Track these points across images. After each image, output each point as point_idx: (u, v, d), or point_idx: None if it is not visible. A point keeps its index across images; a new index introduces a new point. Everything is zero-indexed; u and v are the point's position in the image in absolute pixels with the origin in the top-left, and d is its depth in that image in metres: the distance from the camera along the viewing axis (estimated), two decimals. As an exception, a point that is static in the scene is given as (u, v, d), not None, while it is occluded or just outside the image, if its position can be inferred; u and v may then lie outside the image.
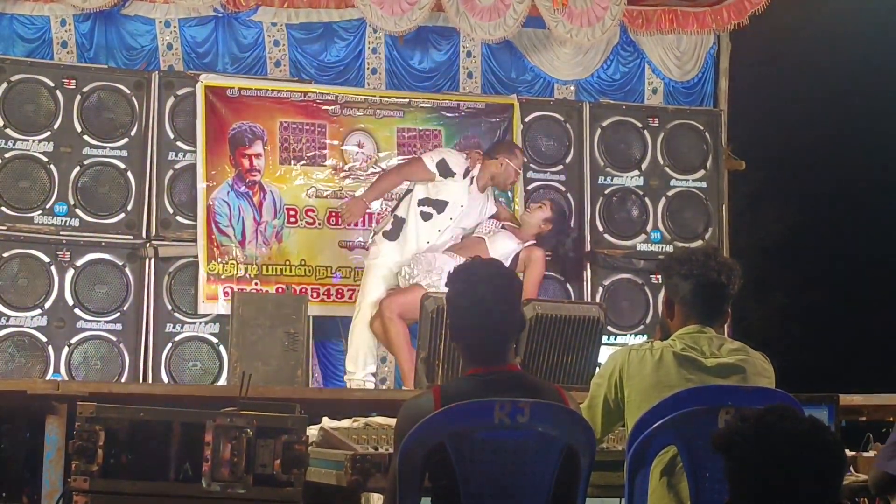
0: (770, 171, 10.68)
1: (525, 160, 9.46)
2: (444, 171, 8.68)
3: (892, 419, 7.02)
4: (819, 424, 3.07)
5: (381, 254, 8.66)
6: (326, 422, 5.10)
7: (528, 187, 10.03)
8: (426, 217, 8.67)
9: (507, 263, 8.37)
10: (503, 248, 8.59)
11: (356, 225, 9.40)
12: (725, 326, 5.28)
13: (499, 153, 8.92)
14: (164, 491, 4.25)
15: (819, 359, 9.92)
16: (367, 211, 9.25)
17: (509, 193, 9.81)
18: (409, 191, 8.81)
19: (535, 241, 8.78)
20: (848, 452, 5.36)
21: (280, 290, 9.26)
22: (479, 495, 4.00)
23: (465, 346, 4.27)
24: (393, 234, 8.68)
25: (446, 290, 4.39)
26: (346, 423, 5.17)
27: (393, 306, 8.25)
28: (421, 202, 8.68)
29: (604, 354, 7.43)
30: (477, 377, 4.19)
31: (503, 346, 4.23)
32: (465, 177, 8.73)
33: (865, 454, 5.43)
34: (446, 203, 8.67)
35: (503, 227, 8.83)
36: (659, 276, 9.33)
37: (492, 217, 8.91)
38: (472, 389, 4.10)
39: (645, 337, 9.71)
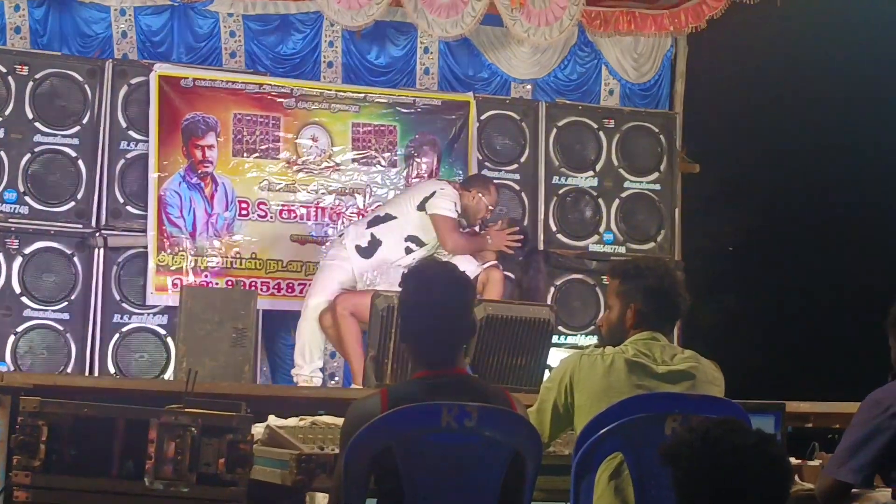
0: (724, 175, 10.70)
1: (477, 150, 9.39)
2: (457, 209, 8.64)
3: (838, 426, 7.04)
4: (766, 438, 3.07)
5: (344, 259, 8.56)
6: (273, 420, 5.07)
7: (483, 185, 10.00)
8: (408, 252, 8.57)
9: None
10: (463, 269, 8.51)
11: (308, 219, 9.36)
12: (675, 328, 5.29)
13: (473, 186, 8.88)
14: (107, 488, 4.21)
15: (768, 362, 9.95)
16: (320, 206, 9.26)
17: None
18: (391, 216, 8.65)
19: (494, 262, 8.72)
20: (793, 461, 5.37)
21: (230, 283, 9.20)
22: (424, 499, 3.99)
23: (416, 349, 4.25)
24: (367, 253, 8.53)
25: (399, 290, 4.36)
26: (292, 421, 5.14)
27: (347, 304, 8.20)
28: (408, 238, 8.58)
29: (554, 356, 7.44)
30: (425, 380, 4.17)
31: (454, 349, 4.21)
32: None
33: (811, 463, 5.44)
34: (421, 239, 8.61)
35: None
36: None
37: None
38: (420, 392, 4.09)
39: (595, 338, 9.72)
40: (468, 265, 8.47)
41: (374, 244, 8.57)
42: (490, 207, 8.88)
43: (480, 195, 8.79)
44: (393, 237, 8.56)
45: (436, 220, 8.53)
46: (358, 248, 8.57)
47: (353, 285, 8.50)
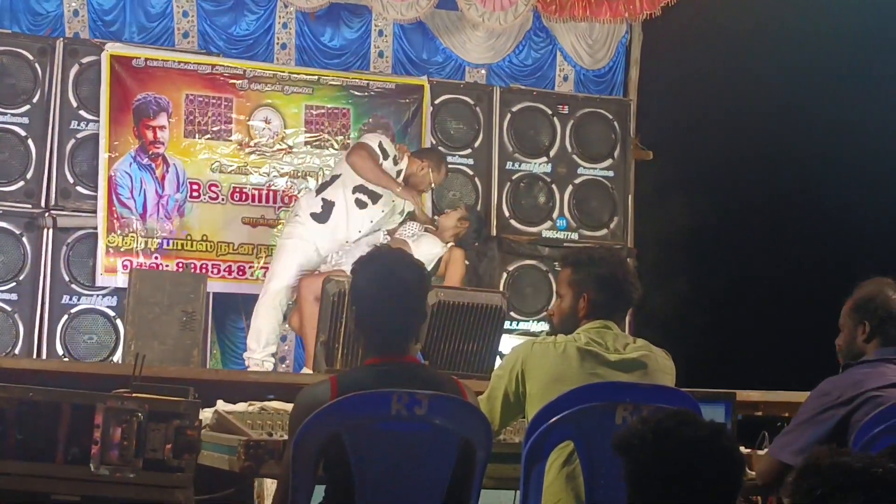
0: (677, 162, 10.70)
1: (431, 135, 9.37)
2: (384, 153, 8.61)
3: (787, 415, 7.07)
4: (718, 430, 3.07)
5: (302, 235, 8.51)
6: (221, 405, 5.03)
7: (436, 170, 9.99)
8: (361, 205, 8.55)
9: (430, 266, 8.36)
10: (428, 251, 8.50)
11: (260, 201, 9.31)
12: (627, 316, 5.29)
13: (426, 158, 8.88)
14: (52, 473, 4.17)
15: (718, 348, 9.97)
16: (272, 188, 9.24)
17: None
18: (336, 175, 8.68)
19: (453, 243, 8.72)
20: (743, 450, 5.37)
21: (180, 265, 9.14)
22: (373, 487, 3.97)
23: (367, 335, 4.22)
24: (322, 217, 8.51)
25: (353, 275, 4.33)
26: (241, 406, 5.10)
27: (312, 287, 8.14)
28: (356, 189, 8.56)
29: (506, 342, 7.44)
30: (376, 367, 4.15)
31: (405, 337, 4.19)
32: (395, 164, 8.66)
33: (760, 452, 5.44)
34: (381, 196, 8.58)
35: (426, 230, 8.73)
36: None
37: (411, 219, 8.81)
38: (370, 380, 4.06)
39: (547, 324, 9.71)
40: (433, 247, 8.48)
41: (327, 206, 8.55)
42: (432, 185, 8.87)
43: (429, 168, 8.77)
44: (342, 194, 8.55)
45: (353, 146, 8.65)
46: (313, 215, 8.54)
47: (314, 267, 8.46)
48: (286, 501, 3.97)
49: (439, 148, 9.70)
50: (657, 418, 3.09)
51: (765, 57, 9.95)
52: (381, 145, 8.62)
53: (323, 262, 8.47)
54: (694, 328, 9.95)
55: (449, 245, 8.64)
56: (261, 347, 8.44)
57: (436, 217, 9.10)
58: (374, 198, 8.57)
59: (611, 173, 10.41)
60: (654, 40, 10.74)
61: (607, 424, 4.15)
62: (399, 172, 8.67)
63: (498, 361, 7.13)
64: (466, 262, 8.76)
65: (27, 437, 4.19)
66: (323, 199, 8.58)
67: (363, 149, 8.57)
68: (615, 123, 10.44)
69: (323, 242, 8.50)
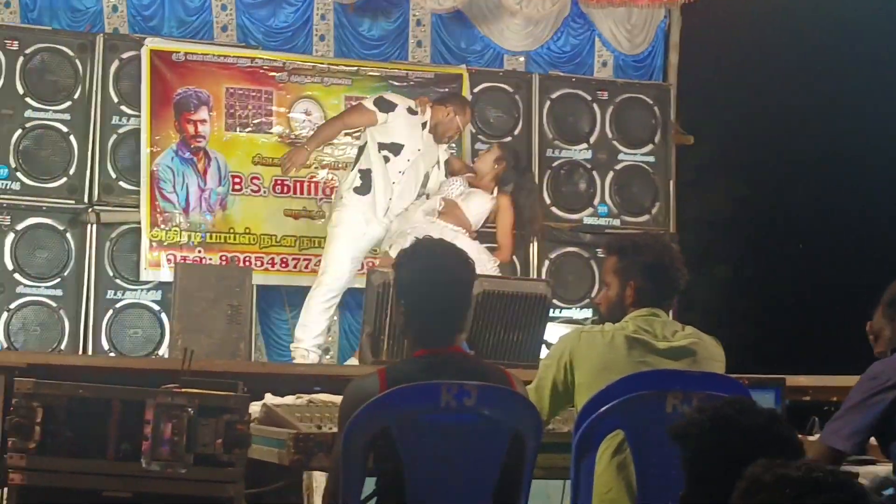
0: (718, 146, 10.67)
1: (471, 123, 9.36)
2: (384, 106, 8.62)
3: (836, 399, 7.02)
4: (776, 418, 3.05)
5: (348, 219, 8.55)
6: (269, 398, 5.04)
7: (476, 158, 9.97)
8: (386, 160, 8.60)
9: (481, 220, 8.67)
10: (478, 206, 8.59)
11: (302, 193, 9.32)
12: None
13: (450, 103, 8.90)
14: (103, 469, 4.18)
15: (761, 332, 9.95)
16: (314, 180, 9.23)
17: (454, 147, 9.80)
18: (363, 146, 8.73)
19: (497, 188, 8.75)
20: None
21: (224, 259, 9.16)
22: (424, 478, 3.97)
23: (415, 328, 4.21)
24: (364, 189, 8.57)
25: (398, 269, 4.32)
26: (289, 399, 5.11)
27: None
28: (380, 147, 8.61)
29: (549, 330, 7.42)
30: (424, 358, 4.14)
31: (452, 328, 4.19)
32: (411, 114, 8.66)
33: (811, 438, 5.41)
34: (402, 146, 8.61)
35: (471, 186, 8.77)
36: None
37: (451, 174, 8.84)
38: (419, 372, 4.06)
39: (590, 311, 9.69)
40: (483, 202, 8.60)
41: (365, 176, 8.61)
42: (460, 126, 8.87)
43: (454, 113, 8.79)
44: (371, 159, 8.62)
45: None
46: (355, 189, 8.61)
47: (364, 247, 8.62)
48: (337, 494, 3.97)
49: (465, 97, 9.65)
50: (714, 407, 3.07)
51: (805, 39, 9.90)
52: (379, 100, 8.68)
53: (376, 243, 8.51)
54: (736, 312, 9.93)
55: (494, 192, 8.70)
56: (308, 338, 8.46)
57: (471, 164, 9.11)
58: (395, 150, 8.60)
59: (652, 158, 10.36)
60: (694, 24, 10.68)
61: (657, 413, 4.13)
62: (424, 124, 8.70)
63: (543, 350, 7.12)
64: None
65: (78, 433, 4.20)
66: (359, 171, 8.64)
67: (349, 111, 8.86)
68: (655, 108, 10.38)
69: (370, 220, 8.55)
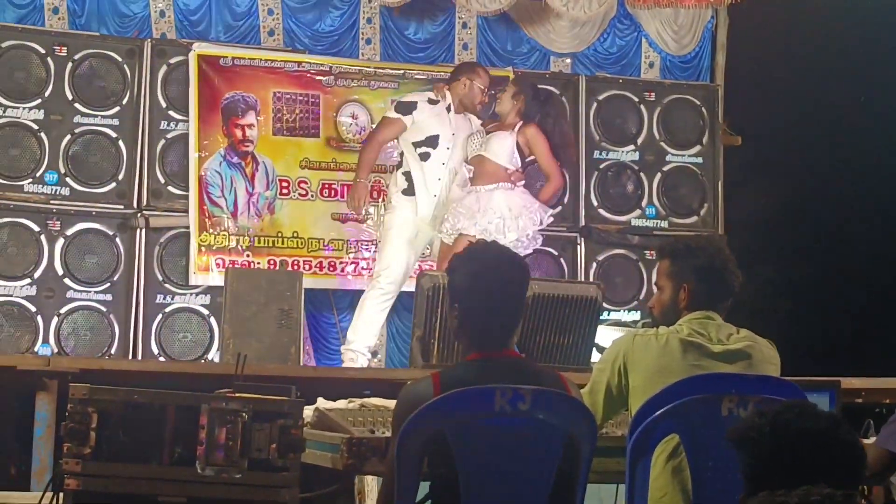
0: (766, 147, 10.61)
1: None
2: (405, 109, 8.66)
3: (888, 401, 6.98)
4: (837, 422, 3.02)
5: (399, 222, 8.60)
6: (322, 402, 5.04)
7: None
8: (425, 157, 8.61)
9: (512, 158, 8.61)
10: (501, 147, 8.61)
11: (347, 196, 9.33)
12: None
13: (461, 74, 8.86)
14: (158, 475, 4.18)
15: (811, 334, 9.88)
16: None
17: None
18: (401, 154, 8.75)
19: (521, 121, 8.73)
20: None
21: (272, 263, 9.18)
22: (478, 483, 3.94)
23: (469, 331, 4.19)
24: (410, 190, 8.62)
25: (451, 272, 4.30)
26: (341, 403, 5.10)
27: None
28: (416, 145, 8.63)
29: (600, 334, 7.39)
30: (478, 363, 4.12)
31: (507, 332, 4.17)
32: (433, 104, 8.67)
33: (867, 441, 5.37)
34: (437, 136, 8.63)
35: (487, 131, 8.78)
36: (653, 254, 9.26)
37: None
38: (473, 375, 4.04)
39: (638, 314, 9.66)
40: (503, 140, 8.63)
41: (409, 178, 8.64)
42: (483, 88, 8.78)
43: (470, 80, 8.77)
44: (412, 160, 8.65)
45: None
46: (403, 192, 8.66)
47: (421, 244, 8.67)
48: (391, 498, 3.97)
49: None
50: (775, 411, 3.04)
51: (853, 38, 9.83)
52: (399, 105, 8.70)
53: (429, 241, 8.58)
54: (785, 314, 9.86)
55: (517, 126, 8.67)
56: (359, 339, 8.44)
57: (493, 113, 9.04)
58: (432, 143, 8.62)
59: (699, 160, 10.33)
60: (741, 24, 10.64)
61: (713, 416, 4.10)
62: (448, 108, 8.70)
63: (594, 354, 7.10)
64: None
65: (132, 438, 4.20)
66: (404, 174, 8.66)
67: (378, 127, 8.87)
68: (703, 109, 10.35)
69: (413, 216, 8.57)
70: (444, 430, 3.92)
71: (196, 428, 4.17)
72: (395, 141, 8.79)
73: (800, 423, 2.99)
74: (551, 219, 8.78)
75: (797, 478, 2.87)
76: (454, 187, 8.67)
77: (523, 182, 8.68)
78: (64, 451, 4.18)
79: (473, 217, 8.34)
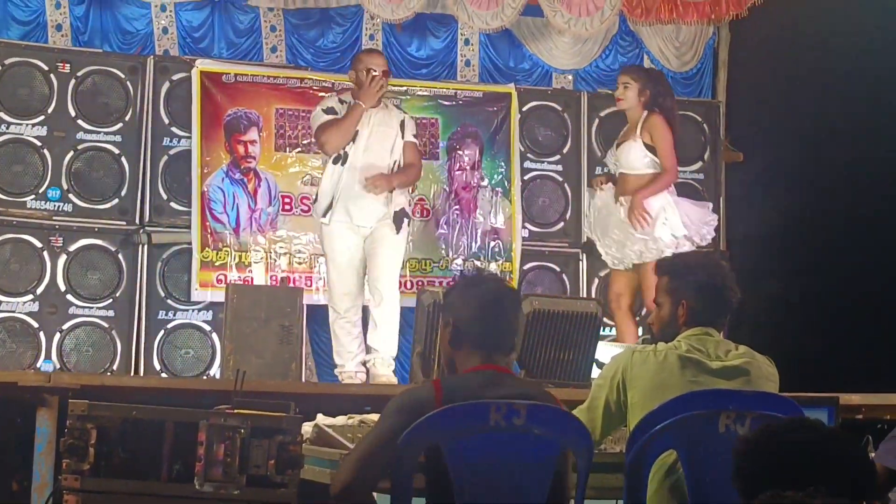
0: (768, 163, 10.61)
1: (519, 142, 9.15)
2: (331, 111, 8.33)
3: (889, 417, 6.98)
4: (846, 440, 3.01)
5: (327, 240, 8.31)
6: (321, 419, 5.05)
7: (525, 177, 9.98)
8: (336, 160, 8.27)
9: (647, 160, 8.58)
10: (634, 157, 8.62)
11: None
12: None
13: (354, 65, 8.52)
14: (157, 491, 4.18)
15: (812, 350, 9.87)
16: None
17: (506, 183, 9.77)
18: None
19: (645, 112, 8.69)
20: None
21: (274, 279, 9.19)
22: (473, 497, 3.96)
23: (469, 345, 4.20)
24: (328, 206, 8.29)
25: (449, 291, 4.35)
26: (340, 420, 5.12)
27: None
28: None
29: (599, 349, 7.40)
30: (479, 374, 4.14)
31: (506, 348, 4.20)
32: (343, 104, 8.34)
33: (866, 457, 5.37)
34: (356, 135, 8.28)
35: (616, 145, 8.83)
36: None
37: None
38: (476, 385, 4.07)
39: (640, 329, 9.65)
40: (635, 150, 8.59)
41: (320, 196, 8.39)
42: (370, 69, 8.29)
43: (355, 72, 8.40)
44: (324, 176, 8.40)
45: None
46: (323, 213, 8.33)
47: (360, 265, 8.34)
48: (356, 483, 3.97)
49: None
50: (782, 426, 3.04)
51: (855, 54, 9.83)
52: (322, 111, 8.35)
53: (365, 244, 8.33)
54: (786, 330, 9.85)
55: (640, 122, 8.67)
56: (348, 360, 8.33)
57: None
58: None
59: (701, 175, 10.35)
60: (742, 40, 10.66)
61: (710, 433, 4.12)
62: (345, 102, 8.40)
63: (594, 369, 7.11)
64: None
65: (131, 455, 4.21)
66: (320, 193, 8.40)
67: (318, 131, 8.38)
68: (705, 125, 10.37)
69: (347, 231, 8.30)
70: (440, 444, 3.94)
71: (194, 444, 4.18)
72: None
73: (806, 437, 2.99)
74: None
75: (802, 494, 2.86)
76: (615, 219, 8.61)
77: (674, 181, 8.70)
78: (63, 467, 4.19)
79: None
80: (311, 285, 9.29)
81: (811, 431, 3.02)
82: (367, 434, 4.21)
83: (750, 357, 4.63)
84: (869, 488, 3.02)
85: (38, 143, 9.10)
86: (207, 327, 9.21)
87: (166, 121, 9.33)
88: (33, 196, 9.07)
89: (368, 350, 8.24)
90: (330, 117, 8.29)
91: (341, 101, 8.39)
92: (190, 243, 9.18)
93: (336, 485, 4.12)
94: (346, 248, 8.27)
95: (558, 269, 9.93)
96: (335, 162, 8.27)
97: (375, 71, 8.28)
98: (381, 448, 4.02)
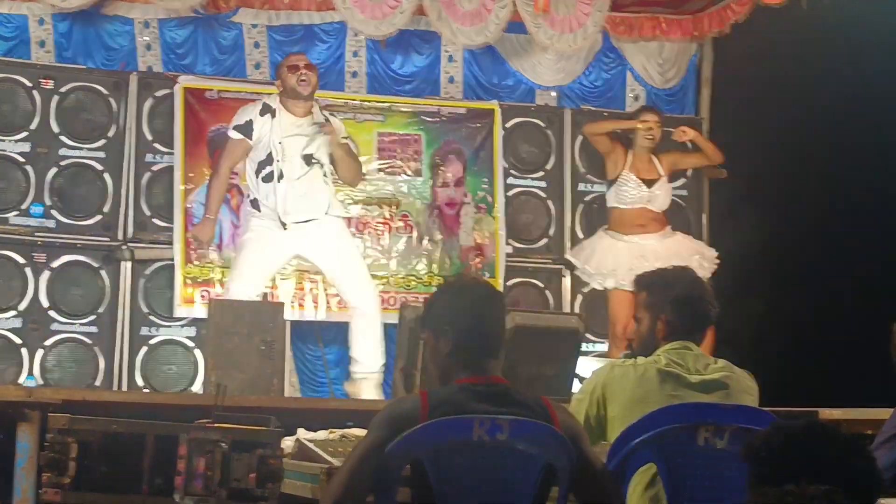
0: (751, 180, 10.63)
1: (502, 158, 9.26)
2: (245, 128, 8.46)
3: (870, 432, 6.98)
4: (855, 445, 3.01)
5: (267, 240, 8.44)
6: (302, 433, 5.06)
7: (509, 193, 9.99)
8: (269, 178, 8.40)
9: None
10: (666, 196, 9.34)
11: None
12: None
13: (277, 73, 8.70)
14: (137, 504, 4.19)
15: (796, 366, 9.89)
16: (346, 216, 9.17)
17: (490, 199, 9.79)
18: (233, 185, 8.88)
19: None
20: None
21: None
22: (456, 512, 3.95)
23: (454, 356, 4.17)
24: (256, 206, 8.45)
25: (433, 302, 4.33)
26: (321, 434, 5.12)
27: None
28: (258, 169, 8.45)
29: (581, 364, 7.41)
30: (468, 387, 4.11)
31: (492, 356, 4.17)
32: (268, 113, 8.47)
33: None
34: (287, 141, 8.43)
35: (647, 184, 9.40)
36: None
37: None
38: (461, 397, 4.04)
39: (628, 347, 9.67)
40: (666, 187, 9.12)
41: (255, 203, 8.53)
42: (293, 77, 8.49)
43: (280, 78, 8.57)
44: (250, 184, 8.58)
45: None
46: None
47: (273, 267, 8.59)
48: (344, 497, 3.97)
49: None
50: (791, 429, 3.04)
51: (838, 72, 9.87)
52: (238, 127, 8.46)
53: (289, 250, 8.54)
54: (771, 345, 9.86)
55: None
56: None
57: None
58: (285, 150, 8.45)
59: (685, 192, 10.37)
60: (725, 57, 10.69)
61: (689, 446, 4.13)
62: (276, 112, 8.50)
63: (576, 385, 7.11)
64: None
65: (112, 469, 4.21)
66: (251, 202, 8.54)
67: (223, 153, 8.57)
68: (688, 143, 10.39)
69: (273, 235, 8.46)
70: (423, 459, 3.94)
71: (175, 458, 4.18)
72: (384, 173, 8.73)
73: (814, 441, 2.99)
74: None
75: (808, 499, 2.84)
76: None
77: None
78: (44, 480, 4.19)
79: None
80: (293, 301, 9.27)
81: (828, 438, 3.01)
82: (354, 448, 4.20)
83: (729, 371, 4.64)
84: (875, 492, 3.02)
85: (22, 159, 9.11)
86: (190, 343, 9.20)
87: (149, 137, 9.34)
88: (16, 212, 9.08)
89: (352, 362, 8.30)
90: (239, 138, 8.39)
91: (264, 111, 8.45)
92: (173, 259, 9.17)
93: (326, 499, 4.11)
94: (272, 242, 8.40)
95: (542, 284, 9.95)
96: (267, 181, 8.37)
97: (299, 65, 8.46)
98: (368, 461, 4.01)
